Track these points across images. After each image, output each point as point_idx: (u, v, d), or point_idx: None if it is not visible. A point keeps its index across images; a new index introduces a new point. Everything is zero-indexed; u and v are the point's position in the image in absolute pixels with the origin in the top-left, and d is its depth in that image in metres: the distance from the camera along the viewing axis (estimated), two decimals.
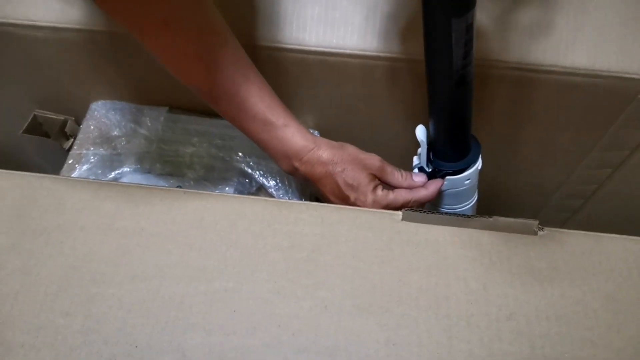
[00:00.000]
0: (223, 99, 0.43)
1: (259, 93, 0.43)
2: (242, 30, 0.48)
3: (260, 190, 0.56)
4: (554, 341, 0.33)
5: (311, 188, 0.52)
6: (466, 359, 0.32)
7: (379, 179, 0.46)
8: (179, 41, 0.40)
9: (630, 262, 0.36)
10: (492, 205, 0.60)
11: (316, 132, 0.59)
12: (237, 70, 0.42)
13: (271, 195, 0.55)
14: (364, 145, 0.48)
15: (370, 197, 0.45)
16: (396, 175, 0.47)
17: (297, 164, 0.45)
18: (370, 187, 0.45)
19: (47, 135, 0.65)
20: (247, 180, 0.56)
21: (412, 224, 0.38)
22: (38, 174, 0.41)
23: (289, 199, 0.55)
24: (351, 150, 0.46)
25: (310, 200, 0.59)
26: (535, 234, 0.38)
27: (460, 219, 0.38)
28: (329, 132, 0.59)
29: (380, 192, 0.46)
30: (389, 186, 0.48)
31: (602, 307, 0.34)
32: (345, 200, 0.46)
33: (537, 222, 0.38)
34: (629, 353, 0.33)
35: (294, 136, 0.44)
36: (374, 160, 0.46)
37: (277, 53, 0.49)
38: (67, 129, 0.65)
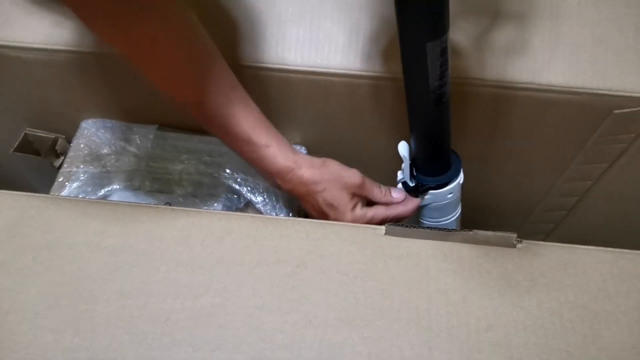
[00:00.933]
0: (210, 118, 0.44)
1: (243, 113, 0.44)
2: (228, 50, 0.50)
3: (248, 206, 0.57)
4: (531, 352, 0.34)
5: (296, 202, 0.53)
6: None
7: (359, 195, 0.47)
8: (168, 59, 0.41)
9: (605, 273, 0.38)
10: (475, 218, 0.61)
11: (303, 147, 0.60)
12: (224, 90, 0.43)
13: (259, 211, 0.56)
14: (349, 160, 0.49)
15: (349, 216, 0.46)
16: (376, 191, 0.48)
17: (280, 182, 0.46)
18: (350, 206, 0.46)
19: (37, 154, 0.66)
20: (235, 196, 0.57)
21: (395, 238, 0.39)
22: (27, 193, 0.42)
23: (276, 214, 0.56)
24: (332, 167, 0.47)
25: (298, 214, 0.60)
26: (514, 246, 0.39)
27: (441, 233, 0.39)
28: (315, 148, 0.60)
29: (359, 210, 0.47)
30: (369, 201, 0.49)
31: (578, 318, 0.35)
32: (325, 217, 0.47)
33: (515, 235, 0.39)
34: None
35: (275, 157, 0.45)
36: (354, 178, 0.47)
37: (263, 72, 0.51)
38: (57, 147, 0.66)
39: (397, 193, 0.48)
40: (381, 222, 0.47)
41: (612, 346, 0.34)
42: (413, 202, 0.48)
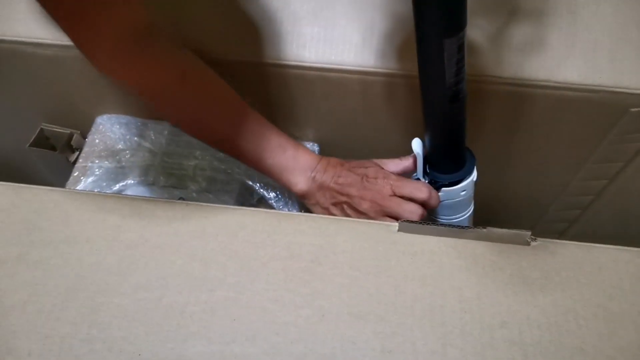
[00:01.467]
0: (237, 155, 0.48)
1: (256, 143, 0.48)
2: (246, 48, 0.50)
3: (261, 202, 0.57)
4: (545, 349, 0.34)
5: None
6: None
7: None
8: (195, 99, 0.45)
9: (621, 272, 0.37)
10: (489, 216, 0.61)
11: (316, 145, 0.60)
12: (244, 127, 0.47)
13: (271, 207, 0.56)
14: (363, 157, 0.49)
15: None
16: (390, 164, 0.48)
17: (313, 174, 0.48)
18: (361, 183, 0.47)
19: (53, 149, 0.67)
20: (248, 192, 0.57)
21: (408, 235, 0.39)
22: (45, 187, 0.43)
23: (288, 210, 0.56)
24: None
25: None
26: (528, 244, 0.39)
27: (455, 230, 0.39)
28: (329, 145, 0.60)
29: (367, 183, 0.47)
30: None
31: (592, 316, 0.35)
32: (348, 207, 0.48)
33: (529, 233, 0.39)
34: None
35: (297, 184, 0.49)
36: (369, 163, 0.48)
37: (279, 69, 0.51)
38: (73, 142, 0.67)
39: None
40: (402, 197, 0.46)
41: (628, 345, 0.34)
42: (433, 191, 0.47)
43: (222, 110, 0.47)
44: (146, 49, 0.41)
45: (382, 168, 0.47)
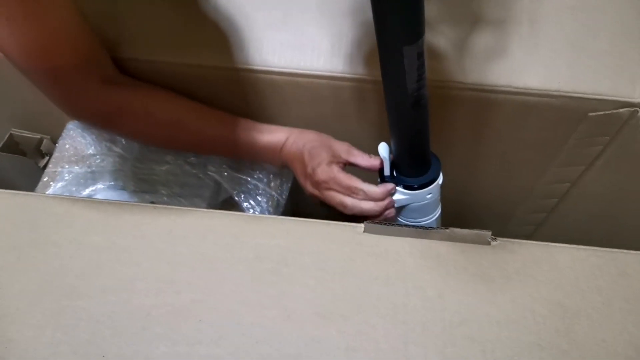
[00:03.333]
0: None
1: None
2: (216, 54, 0.51)
3: (231, 203, 0.58)
4: (504, 345, 0.35)
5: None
6: None
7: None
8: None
9: (578, 270, 0.39)
10: (457, 220, 0.63)
11: None
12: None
13: (239, 205, 0.57)
14: None
15: (323, 167, 0.49)
16: (360, 158, 0.50)
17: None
18: (327, 161, 0.49)
19: (23, 154, 0.66)
20: (220, 196, 0.57)
21: (374, 236, 0.40)
22: (12, 191, 0.43)
23: (254, 210, 0.57)
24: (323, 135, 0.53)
25: (284, 212, 0.60)
26: (489, 244, 0.40)
27: (419, 231, 0.40)
28: None
29: (334, 167, 0.48)
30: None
31: (550, 313, 0.36)
32: (309, 175, 0.50)
33: (490, 233, 0.40)
34: (575, 356, 0.35)
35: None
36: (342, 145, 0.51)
37: (249, 74, 0.52)
38: (42, 148, 0.66)
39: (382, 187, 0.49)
40: (345, 190, 0.48)
41: (583, 340, 0.35)
42: (388, 198, 0.48)
43: (176, 129, 0.52)
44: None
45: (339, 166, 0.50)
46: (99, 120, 0.50)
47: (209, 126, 0.53)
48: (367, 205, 0.47)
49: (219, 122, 0.53)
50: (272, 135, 0.53)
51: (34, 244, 0.39)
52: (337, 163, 0.49)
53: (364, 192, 0.47)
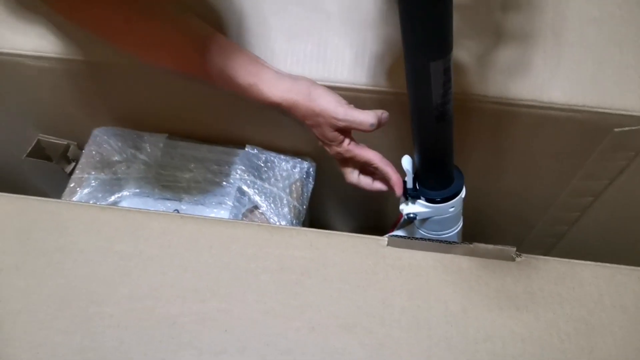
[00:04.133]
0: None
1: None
2: None
3: (252, 211, 0.58)
4: None
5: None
6: None
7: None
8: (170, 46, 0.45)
9: (602, 287, 0.38)
10: (477, 232, 0.62)
11: (307, 163, 0.62)
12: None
13: (263, 215, 0.57)
14: None
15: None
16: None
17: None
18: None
19: (49, 159, 0.68)
20: (241, 204, 0.58)
21: (397, 249, 0.40)
22: (41, 198, 0.44)
23: (279, 220, 0.57)
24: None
25: (303, 223, 0.61)
26: (513, 260, 0.40)
27: (442, 245, 0.40)
28: (323, 160, 0.61)
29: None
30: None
31: (574, 331, 0.36)
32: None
33: (514, 249, 0.40)
34: None
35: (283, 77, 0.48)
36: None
37: None
38: (69, 154, 0.67)
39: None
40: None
41: (607, 358, 0.35)
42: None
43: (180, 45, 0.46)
44: None
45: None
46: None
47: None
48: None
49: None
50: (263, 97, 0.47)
51: (62, 251, 0.40)
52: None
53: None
